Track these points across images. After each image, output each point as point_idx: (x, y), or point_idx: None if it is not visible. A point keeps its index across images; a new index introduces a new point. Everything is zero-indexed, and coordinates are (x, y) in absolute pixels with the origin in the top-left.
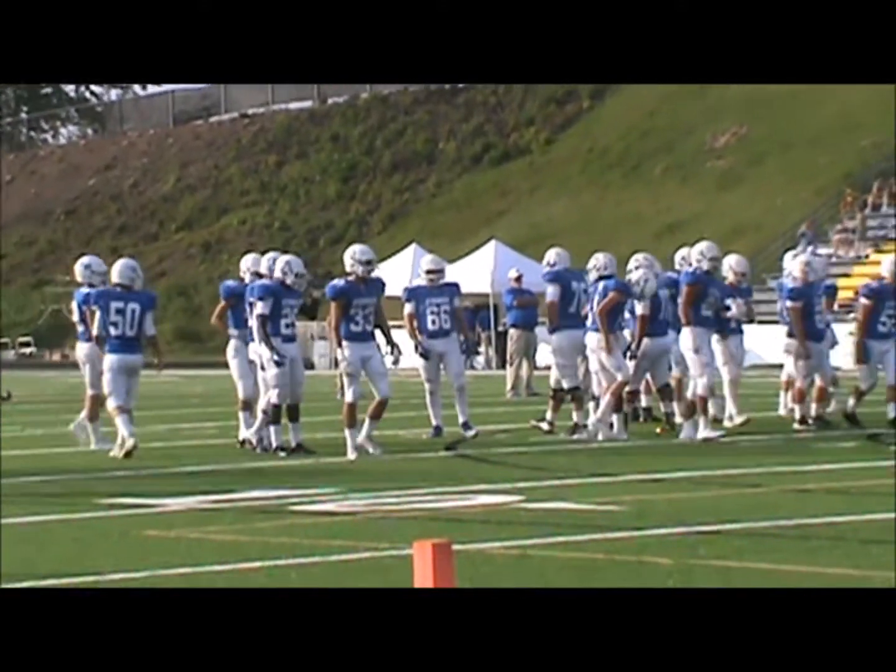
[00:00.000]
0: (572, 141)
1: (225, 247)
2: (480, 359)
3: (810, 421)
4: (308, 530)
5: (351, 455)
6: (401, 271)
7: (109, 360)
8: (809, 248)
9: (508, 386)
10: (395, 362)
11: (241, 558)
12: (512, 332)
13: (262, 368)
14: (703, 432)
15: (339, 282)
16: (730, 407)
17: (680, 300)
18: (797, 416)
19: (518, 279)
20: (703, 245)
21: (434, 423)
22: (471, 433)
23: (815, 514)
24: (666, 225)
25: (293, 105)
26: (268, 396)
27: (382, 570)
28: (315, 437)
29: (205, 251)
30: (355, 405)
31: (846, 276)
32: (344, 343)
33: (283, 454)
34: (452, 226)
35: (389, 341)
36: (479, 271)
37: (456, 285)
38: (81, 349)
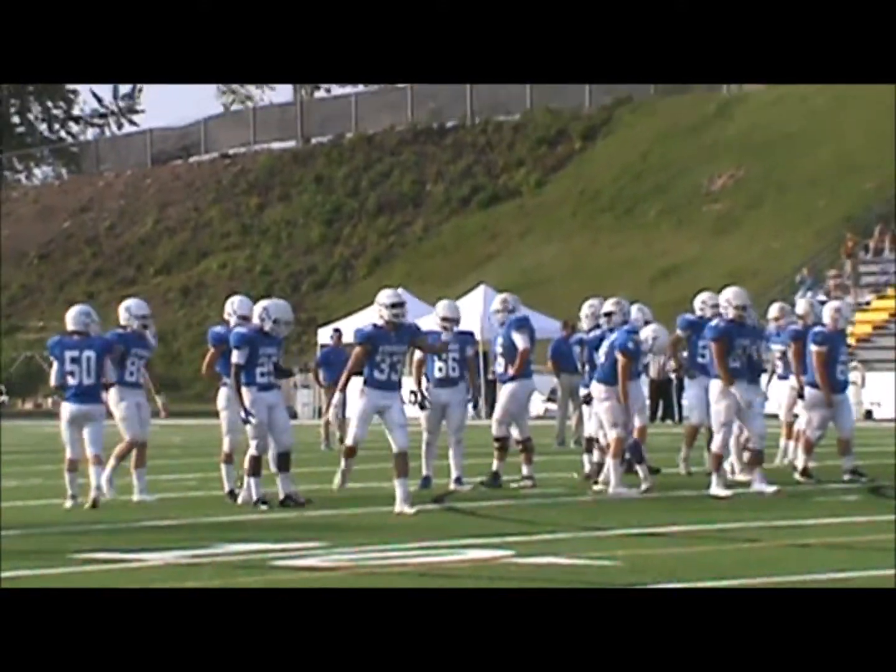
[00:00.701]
0: (564, 183)
1: (205, 291)
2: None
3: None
4: (290, 585)
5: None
6: None
7: (63, 409)
8: (809, 294)
9: None
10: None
11: None
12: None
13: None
14: (715, 489)
15: (366, 326)
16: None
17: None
18: (799, 466)
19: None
20: (729, 292)
21: (425, 472)
22: (465, 488)
23: (816, 570)
24: (661, 270)
25: (275, 145)
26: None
27: None
28: (299, 488)
29: (184, 296)
30: (353, 450)
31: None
32: (366, 389)
33: (264, 507)
34: (440, 270)
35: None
36: (467, 317)
37: (471, 334)
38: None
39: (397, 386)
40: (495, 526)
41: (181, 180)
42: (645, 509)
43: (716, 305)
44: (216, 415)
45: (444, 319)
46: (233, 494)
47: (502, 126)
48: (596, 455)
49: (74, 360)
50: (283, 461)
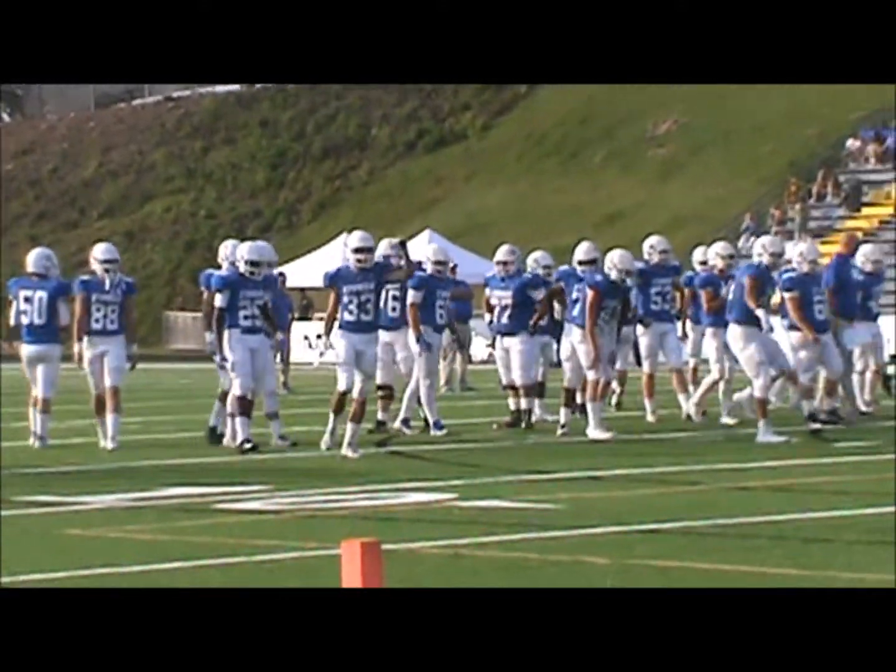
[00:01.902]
0: (509, 127)
1: (148, 235)
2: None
3: (823, 416)
4: (232, 529)
5: (349, 452)
6: (331, 261)
7: (22, 350)
8: (752, 239)
9: (442, 381)
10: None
11: (163, 558)
12: None
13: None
14: (764, 436)
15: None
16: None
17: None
18: (805, 412)
19: (452, 269)
20: (765, 239)
21: (434, 418)
22: (411, 432)
23: (757, 513)
24: (605, 215)
25: (220, 88)
26: (231, 389)
27: (309, 571)
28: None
29: (128, 240)
30: (346, 394)
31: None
32: (338, 332)
33: (249, 447)
34: (385, 215)
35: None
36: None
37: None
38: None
39: (372, 327)
40: (438, 470)
41: (125, 123)
42: (588, 454)
43: (665, 251)
44: (159, 358)
45: (437, 263)
46: (214, 433)
47: None
48: (512, 403)
49: (28, 300)
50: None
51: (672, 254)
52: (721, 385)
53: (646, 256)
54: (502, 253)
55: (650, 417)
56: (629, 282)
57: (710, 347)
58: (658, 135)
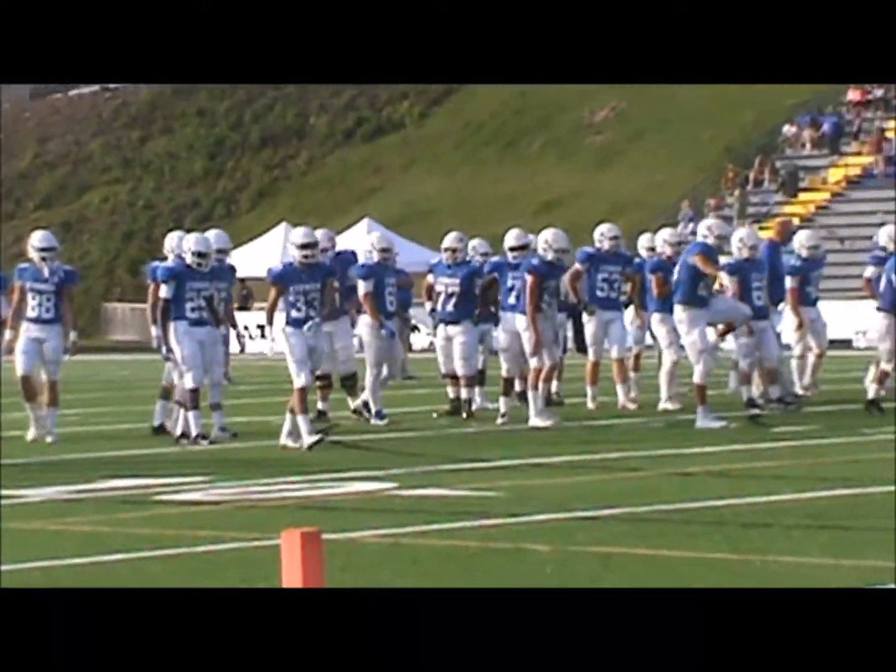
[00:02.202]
0: (447, 116)
1: (86, 226)
2: (355, 341)
3: (761, 402)
4: (173, 521)
5: (309, 441)
6: (270, 251)
7: None
8: (690, 226)
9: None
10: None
11: (103, 551)
12: None
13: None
14: (702, 421)
15: (277, 266)
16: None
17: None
18: (744, 398)
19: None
20: (710, 221)
21: (376, 408)
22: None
23: (696, 499)
24: (543, 203)
25: None
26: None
27: (249, 562)
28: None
29: (65, 230)
30: (306, 390)
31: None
32: (288, 329)
33: (204, 442)
34: (324, 204)
35: (234, 325)
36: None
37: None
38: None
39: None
40: (378, 459)
41: (61, 114)
42: (528, 441)
43: (615, 237)
44: (97, 350)
45: (383, 251)
46: (162, 430)
47: None
48: (451, 391)
49: None
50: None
51: (622, 241)
52: (662, 370)
53: (596, 243)
54: (451, 240)
55: (591, 404)
56: (565, 261)
57: (659, 333)
58: (595, 122)
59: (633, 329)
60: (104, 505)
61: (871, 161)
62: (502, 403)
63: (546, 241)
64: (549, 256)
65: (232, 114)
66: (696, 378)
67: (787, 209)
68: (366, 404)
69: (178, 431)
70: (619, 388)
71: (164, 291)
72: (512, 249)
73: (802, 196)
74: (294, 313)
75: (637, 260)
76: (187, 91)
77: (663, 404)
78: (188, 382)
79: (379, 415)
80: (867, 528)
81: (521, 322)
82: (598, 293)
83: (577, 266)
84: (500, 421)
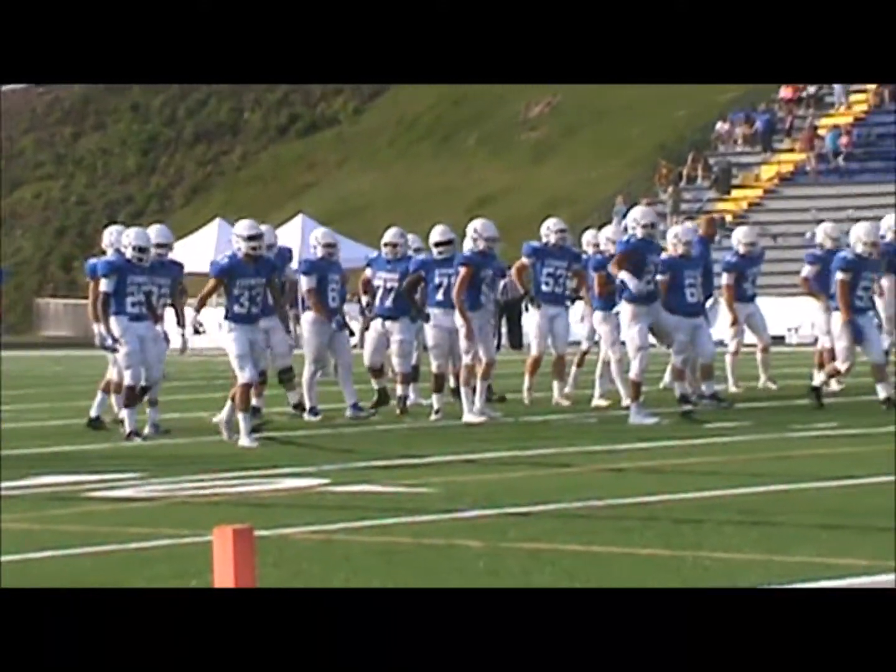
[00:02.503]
0: (381, 111)
1: (18, 222)
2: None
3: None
4: (105, 517)
5: (247, 442)
6: (204, 247)
7: None
8: (624, 222)
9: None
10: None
11: (35, 548)
12: None
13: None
14: (635, 417)
15: (223, 259)
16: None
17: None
18: (677, 394)
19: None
20: (677, 229)
21: (311, 404)
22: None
23: (628, 494)
24: (478, 198)
25: None
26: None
27: (181, 558)
28: (116, 420)
29: None
30: (251, 386)
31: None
32: (230, 325)
33: (138, 439)
34: (258, 199)
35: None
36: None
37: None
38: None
39: (258, 318)
40: (311, 455)
41: None
42: (461, 437)
43: (562, 230)
44: (30, 346)
45: (327, 246)
46: (98, 422)
47: None
48: (375, 383)
49: None
50: (143, 394)
51: (569, 235)
52: (599, 366)
53: (543, 237)
54: (391, 235)
55: (527, 398)
56: (496, 250)
57: (602, 331)
58: (530, 118)
59: (584, 325)
60: (36, 502)
61: (804, 158)
62: (435, 400)
63: (475, 230)
64: (481, 246)
65: (166, 109)
66: (632, 374)
67: (720, 206)
68: (354, 405)
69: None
70: (556, 385)
71: (103, 285)
72: (437, 245)
73: (735, 193)
74: (237, 308)
75: (585, 256)
76: (120, 86)
77: (596, 401)
78: (128, 379)
79: (313, 411)
80: (798, 524)
81: (458, 318)
82: (544, 287)
83: (524, 260)
84: (433, 417)
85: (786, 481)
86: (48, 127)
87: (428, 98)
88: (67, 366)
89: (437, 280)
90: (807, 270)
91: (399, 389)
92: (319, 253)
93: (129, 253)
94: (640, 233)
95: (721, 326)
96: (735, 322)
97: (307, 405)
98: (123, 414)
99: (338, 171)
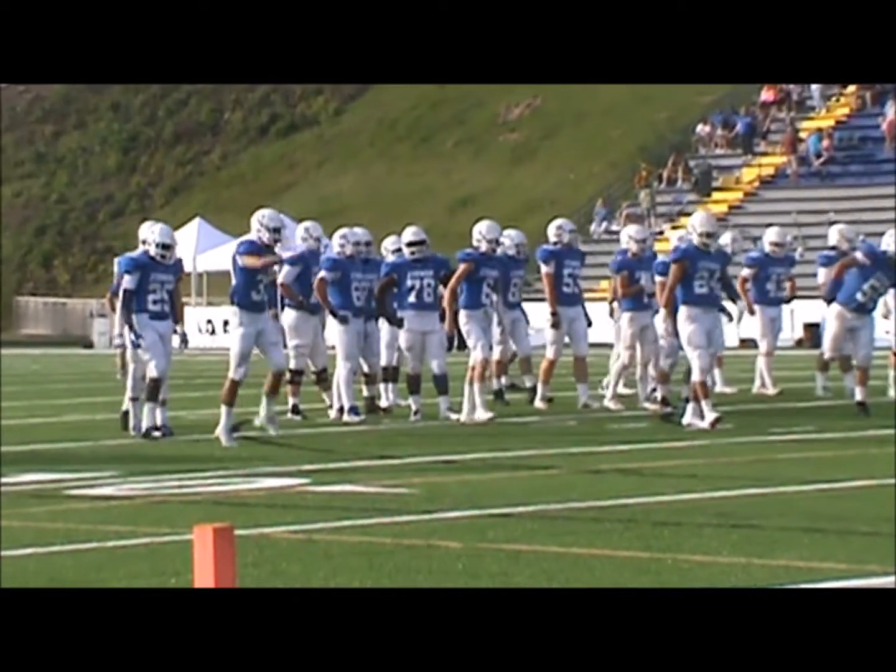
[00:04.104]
0: (361, 112)
1: None
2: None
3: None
4: (85, 515)
5: (225, 441)
6: (184, 246)
7: None
8: (604, 224)
9: None
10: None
11: (14, 545)
12: None
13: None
14: (689, 417)
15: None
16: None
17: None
18: (658, 396)
19: None
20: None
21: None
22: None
23: (607, 496)
24: (458, 199)
25: None
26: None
27: (161, 557)
28: (95, 418)
29: None
30: (239, 383)
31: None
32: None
33: (157, 434)
34: (238, 199)
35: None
36: None
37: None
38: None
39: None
40: (291, 455)
41: None
42: (441, 438)
43: (573, 231)
44: (9, 344)
45: (410, 245)
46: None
47: None
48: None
49: None
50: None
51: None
52: (638, 370)
53: (553, 239)
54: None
55: (539, 403)
56: (500, 252)
57: (625, 333)
58: (510, 119)
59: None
60: (16, 499)
61: (785, 161)
62: (412, 401)
63: (480, 231)
64: (483, 247)
65: (146, 109)
66: (695, 377)
67: (701, 208)
68: (352, 408)
69: (144, 426)
70: (581, 387)
71: (126, 282)
72: (410, 245)
73: (716, 195)
74: (254, 295)
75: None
76: (100, 85)
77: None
78: (151, 371)
79: (354, 410)
80: (777, 527)
81: (461, 318)
82: (565, 289)
83: (545, 268)
84: (412, 418)
85: (765, 485)
86: (29, 125)
87: (408, 99)
88: (45, 364)
89: (409, 283)
90: (823, 275)
91: (371, 389)
92: (348, 251)
93: (152, 250)
94: (696, 240)
95: (751, 326)
96: (751, 311)
97: (347, 405)
98: (135, 408)
99: (318, 172)
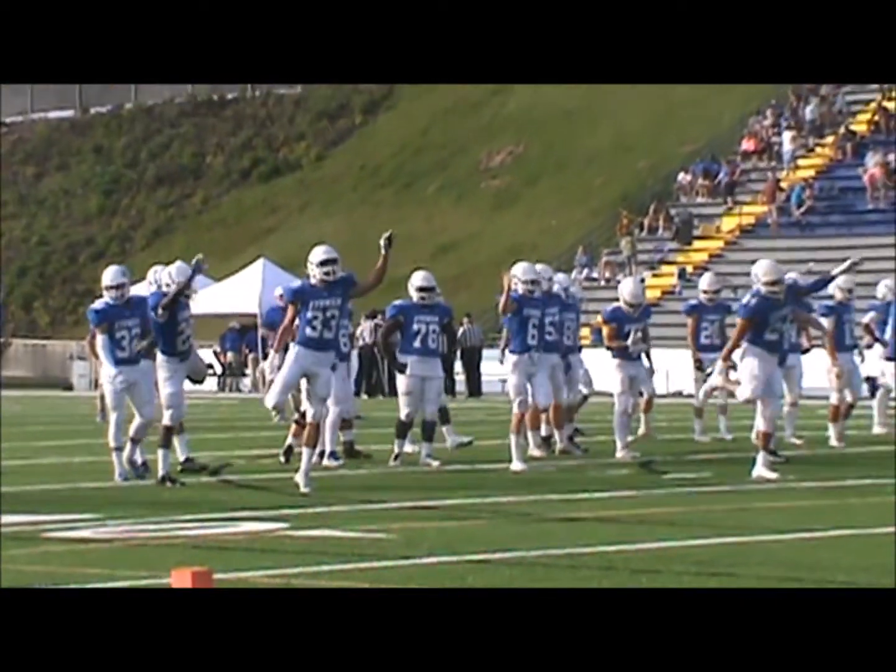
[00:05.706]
0: (344, 157)
1: None
2: (247, 381)
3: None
4: (63, 558)
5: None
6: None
7: None
8: (585, 272)
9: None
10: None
11: None
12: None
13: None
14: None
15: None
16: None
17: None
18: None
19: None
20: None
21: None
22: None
23: (586, 543)
24: (440, 245)
25: (53, 114)
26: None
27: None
28: (73, 460)
29: None
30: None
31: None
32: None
33: (170, 484)
34: (220, 243)
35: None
36: (247, 290)
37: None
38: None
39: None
40: (270, 499)
41: None
42: (420, 483)
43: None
44: None
45: (420, 290)
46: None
47: (283, 99)
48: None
49: None
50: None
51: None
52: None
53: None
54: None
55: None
56: (537, 294)
57: (616, 378)
58: (492, 166)
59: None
60: None
61: (765, 210)
62: (396, 445)
63: (515, 275)
64: (521, 290)
65: (128, 151)
66: (761, 426)
67: (681, 257)
68: (332, 453)
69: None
70: (557, 433)
71: (160, 315)
72: (420, 290)
73: (696, 244)
74: (309, 332)
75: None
76: (83, 127)
77: (619, 452)
78: (166, 419)
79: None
80: (756, 576)
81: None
82: (548, 337)
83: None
84: (391, 463)
85: (744, 533)
86: (11, 166)
87: (390, 145)
88: (26, 406)
89: (415, 327)
90: (869, 317)
91: (341, 435)
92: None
93: (171, 290)
94: (763, 290)
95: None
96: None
97: (328, 449)
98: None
99: (299, 216)
